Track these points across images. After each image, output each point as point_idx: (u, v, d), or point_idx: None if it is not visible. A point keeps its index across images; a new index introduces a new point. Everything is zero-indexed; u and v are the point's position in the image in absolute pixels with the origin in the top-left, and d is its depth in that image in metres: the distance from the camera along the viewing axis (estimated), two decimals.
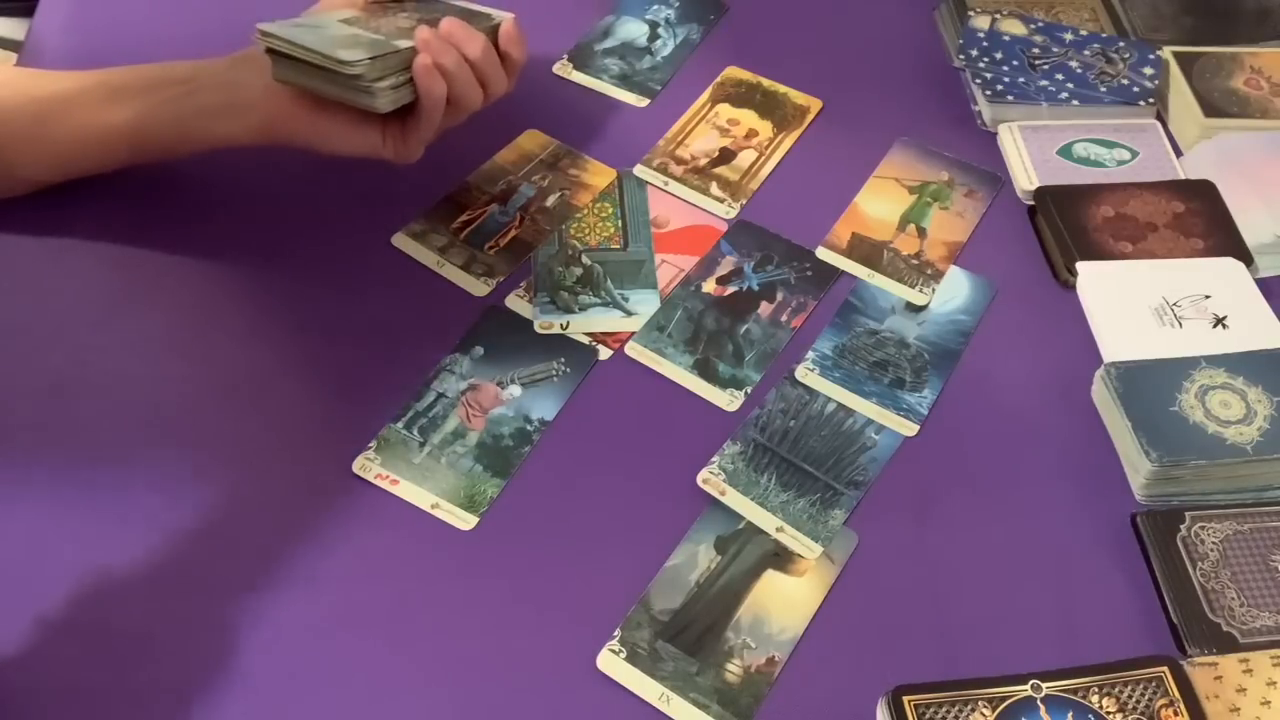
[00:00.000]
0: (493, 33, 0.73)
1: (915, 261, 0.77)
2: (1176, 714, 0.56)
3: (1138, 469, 0.67)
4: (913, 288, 0.76)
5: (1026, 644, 0.60)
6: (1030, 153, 0.86)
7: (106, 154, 0.74)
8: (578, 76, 0.92)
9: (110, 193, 0.78)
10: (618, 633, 0.59)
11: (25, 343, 0.70)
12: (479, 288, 0.75)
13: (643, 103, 0.90)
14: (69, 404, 0.67)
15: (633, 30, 0.96)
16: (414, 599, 0.61)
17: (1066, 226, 0.81)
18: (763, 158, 0.85)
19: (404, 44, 0.69)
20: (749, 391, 0.71)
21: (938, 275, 0.76)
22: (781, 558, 0.63)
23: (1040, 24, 0.95)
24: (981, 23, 0.95)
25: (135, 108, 0.72)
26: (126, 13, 0.93)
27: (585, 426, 0.68)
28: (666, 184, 0.83)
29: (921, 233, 0.78)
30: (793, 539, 0.64)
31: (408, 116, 0.72)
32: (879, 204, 0.79)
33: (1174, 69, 0.92)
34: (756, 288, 0.76)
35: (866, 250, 0.77)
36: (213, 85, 0.73)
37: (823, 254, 0.77)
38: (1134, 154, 0.87)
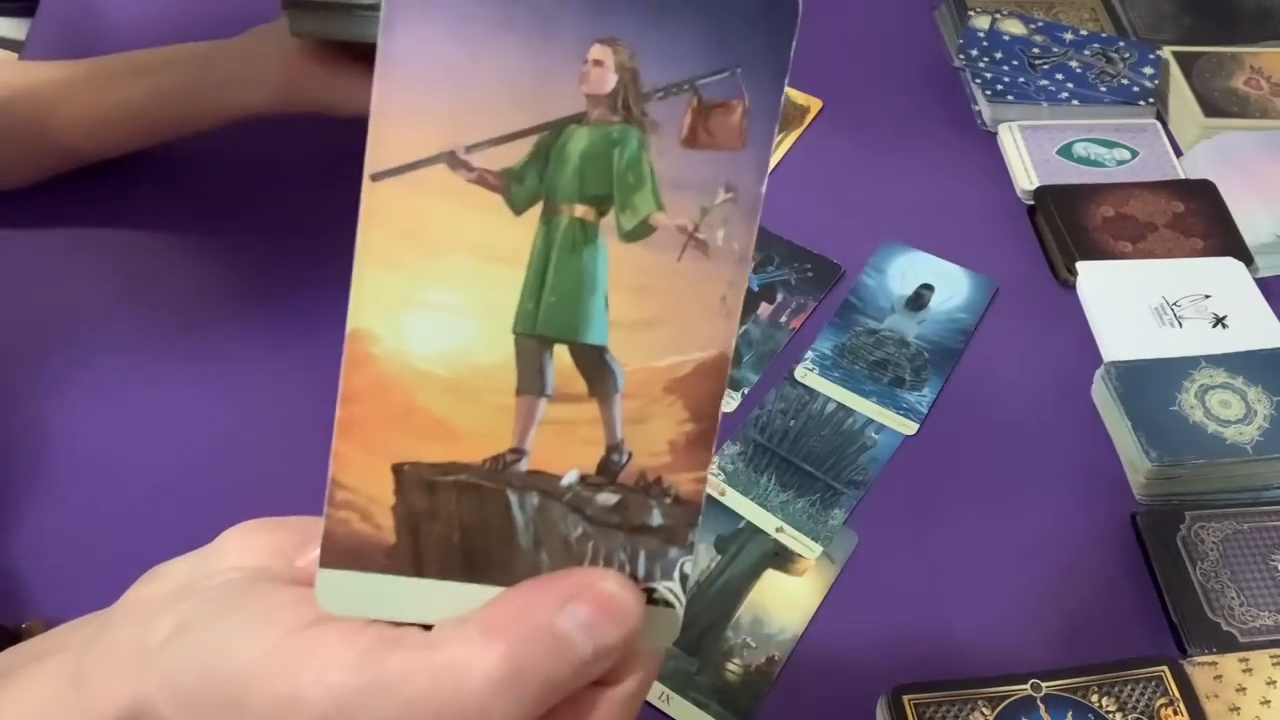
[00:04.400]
0: None
1: (610, 498, 0.30)
2: (1176, 713, 0.56)
3: (1138, 468, 0.67)
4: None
5: (1026, 643, 0.60)
6: (1030, 152, 0.86)
7: (123, 132, 0.74)
8: None
9: (112, 191, 0.78)
10: None
11: (25, 342, 0.71)
12: None
13: None
14: (69, 403, 0.67)
15: None
16: None
17: (1066, 226, 0.81)
18: None
19: None
20: (745, 392, 0.71)
21: (685, 517, 0.30)
22: (781, 557, 0.63)
23: (1040, 24, 0.95)
24: (981, 23, 0.95)
25: (151, 82, 0.72)
26: (127, 13, 0.93)
27: None
28: None
29: (598, 373, 0.30)
30: (793, 539, 0.64)
31: None
32: (420, 310, 0.29)
33: (1174, 69, 0.92)
34: (756, 289, 0.77)
35: (430, 544, 0.30)
36: (228, 57, 0.73)
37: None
38: (1134, 154, 0.87)
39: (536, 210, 0.28)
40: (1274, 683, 0.58)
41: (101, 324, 0.72)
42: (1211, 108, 0.88)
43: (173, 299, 0.74)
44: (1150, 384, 0.69)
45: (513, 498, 0.29)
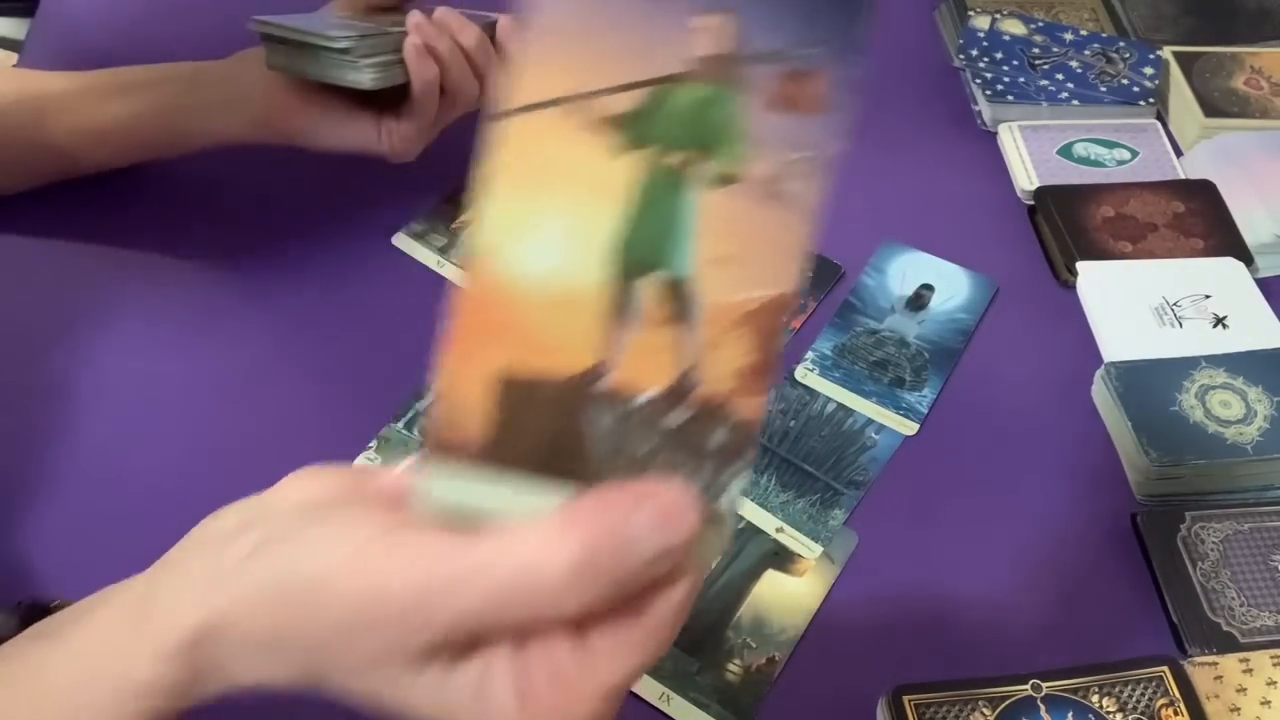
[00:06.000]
0: (491, 29, 0.73)
1: (678, 415, 0.32)
2: (1177, 714, 0.56)
3: (1138, 469, 0.67)
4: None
5: (1026, 643, 0.60)
6: (1030, 153, 0.86)
7: (106, 150, 0.74)
8: None
9: (112, 193, 0.78)
10: None
11: (25, 343, 0.71)
12: None
13: None
14: (69, 404, 0.67)
15: None
16: None
17: (1066, 226, 0.81)
18: None
19: (396, 29, 0.69)
20: None
21: (743, 444, 0.32)
22: (782, 557, 0.63)
23: (1040, 24, 0.95)
24: (981, 23, 0.95)
25: (136, 103, 0.72)
26: (126, 13, 0.93)
27: None
28: None
29: (679, 300, 0.32)
30: (793, 539, 0.64)
31: (403, 109, 0.72)
32: (544, 222, 0.31)
33: (1174, 69, 0.92)
34: None
35: (537, 441, 0.32)
36: (212, 82, 0.74)
37: (421, 503, 0.32)
38: (1134, 154, 0.87)
39: (640, 154, 0.31)
40: (1274, 683, 0.58)
41: (100, 326, 0.72)
42: (1211, 108, 0.88)
43: (169, 303, 0.74)
44: (1150, 384, 0.69)
45: (595, 411, 0.32)
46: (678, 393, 0.32)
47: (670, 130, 0.31)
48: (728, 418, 0.32)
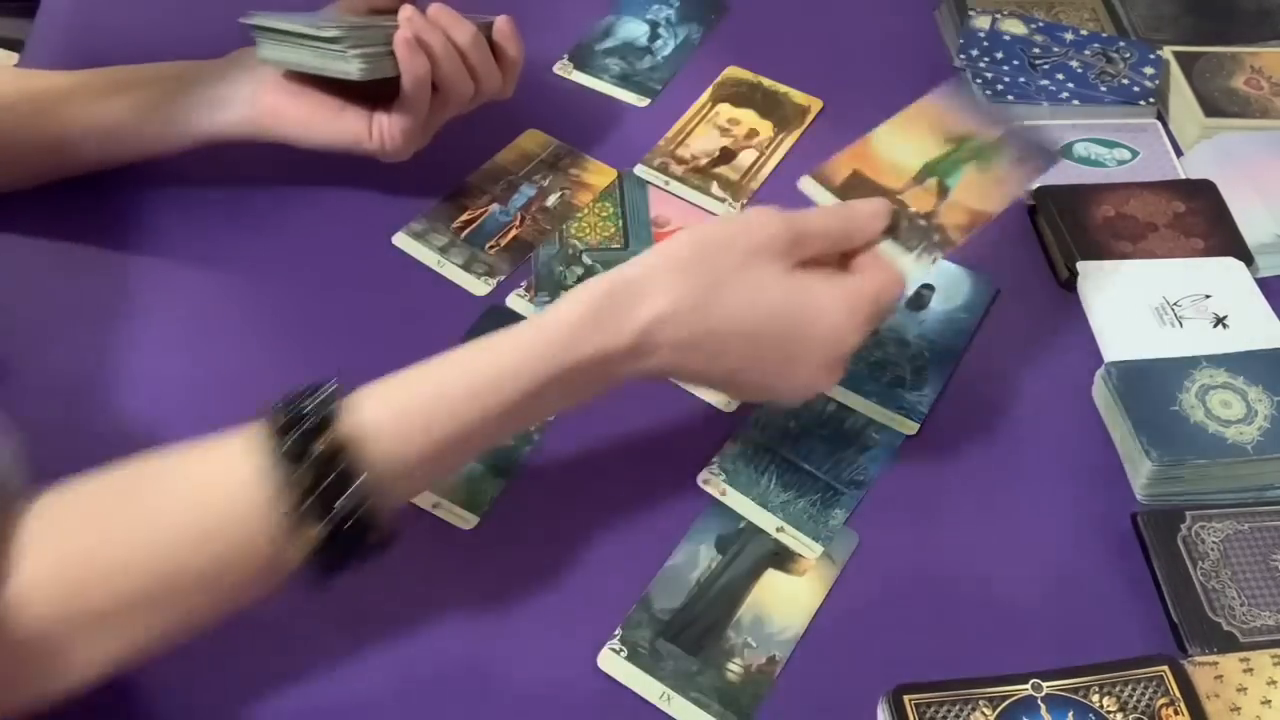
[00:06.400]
0: (487, 29, 0.73)
1: (923, 222, 0.64)
2: (1177, 713, 0.56)
3: (1138, 469, 0.67)
4: (909, 251, 0.63)
5: (1027, 643, 0.60)
6: None
7: (101, 148, 0.74)
8: (578, 76, 0.92)
9: (111, 193, 0.78)
10: (618, 632, 0.59)
11: (25, 342, 0.71)
12: (480, 287, 0.75)
13: (643, 102, 0.90)
14: (69, 404, 0.67)
15: (633, 30, 0.96)
16: (414, 598, 0.61)
17: (1067, 226, 0.81)
18: (763, 157, 0.86)
19: (389, 23, 0.69)
20: None
21: (946, 243, 0.64)
22: (782, 557, 0.63)
23: (1040, 24, 0.95)
24: (982, 23, 0.95)
25: (129, 101, 0.73)
26: (127, 13, 0.93)
27: (586, 426, 0.68)
28: (667, 184, 0.83)
29: (943, 191, 0.66)
30: (793, 539, 0.64)
31: (394, 106, 0.72)
32: (900, 145, 0.68)
33: (1174, 69, 0.92)
34: None
35: (864, 194, 0.65)
36: (202, 80, 0.74)
37: (806, 186, 0.66)
38: (1134, 154, 0.87)
39: (953, 146, 0.68)
40: (1275, 683, 0.58)
41: (100, 326, 0.72)
42: (1212, 108, 0.88)
43: (169, 303, 0.74)
44: (1151, 384, 0.70)
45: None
46: (926, 214, 0.64)
47: (969, 147, 0.68)
48: (940, 232, 0.63)
